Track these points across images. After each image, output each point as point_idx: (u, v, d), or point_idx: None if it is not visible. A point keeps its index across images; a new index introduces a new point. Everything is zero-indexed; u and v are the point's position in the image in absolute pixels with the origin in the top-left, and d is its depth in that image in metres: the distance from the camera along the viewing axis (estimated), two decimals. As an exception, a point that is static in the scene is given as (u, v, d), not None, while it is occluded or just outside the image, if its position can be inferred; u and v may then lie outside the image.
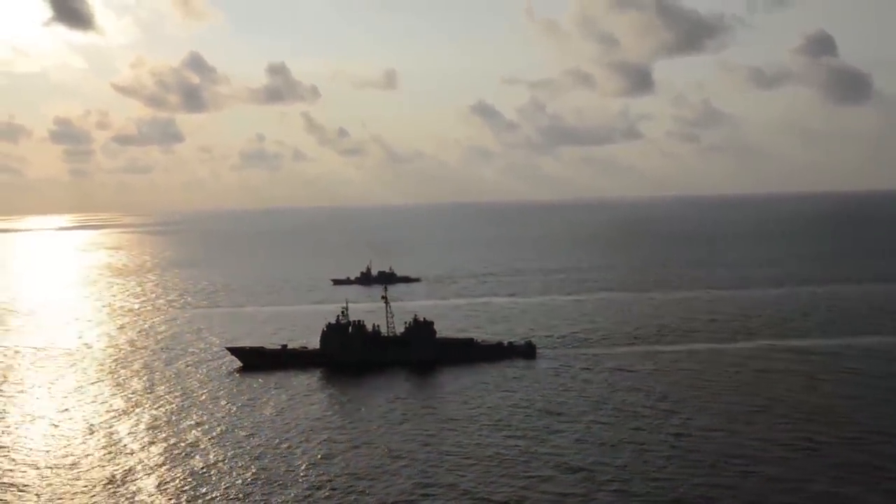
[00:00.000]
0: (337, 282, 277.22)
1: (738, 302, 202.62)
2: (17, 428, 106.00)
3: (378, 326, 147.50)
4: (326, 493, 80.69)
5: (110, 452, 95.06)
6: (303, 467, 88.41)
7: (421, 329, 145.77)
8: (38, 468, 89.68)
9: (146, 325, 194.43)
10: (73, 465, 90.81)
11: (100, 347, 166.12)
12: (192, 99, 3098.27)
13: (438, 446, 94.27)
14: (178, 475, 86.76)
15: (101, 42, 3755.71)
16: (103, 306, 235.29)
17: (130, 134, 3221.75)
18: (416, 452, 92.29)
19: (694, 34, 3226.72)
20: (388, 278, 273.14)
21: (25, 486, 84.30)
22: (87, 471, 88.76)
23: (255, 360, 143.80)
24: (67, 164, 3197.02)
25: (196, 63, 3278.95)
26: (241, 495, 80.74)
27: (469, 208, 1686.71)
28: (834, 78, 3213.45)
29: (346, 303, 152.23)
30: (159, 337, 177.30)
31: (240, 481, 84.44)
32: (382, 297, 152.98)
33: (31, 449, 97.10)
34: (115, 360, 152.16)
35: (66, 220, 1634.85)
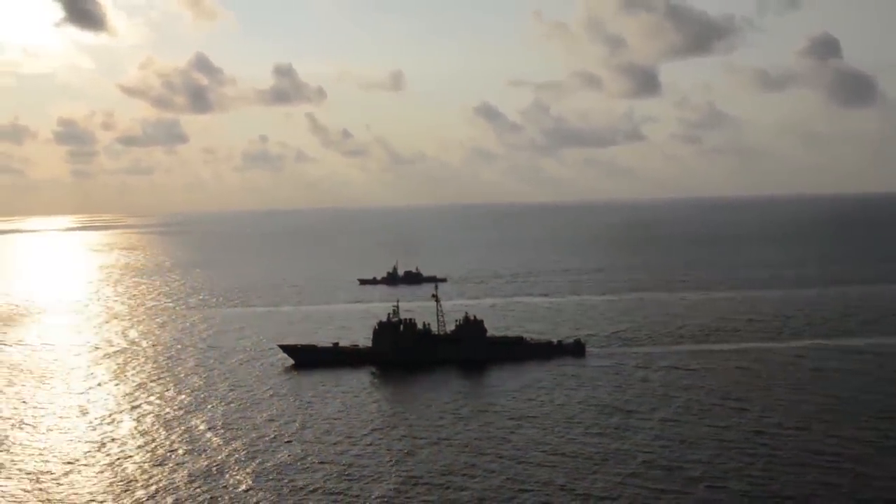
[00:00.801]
0: (363, 281, 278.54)
1: (770, 302, 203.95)
2: (100, 424, 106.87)
3: (428, 325, 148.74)
4: (423, 489, 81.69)
5: (195, 447, 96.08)
6: (391, 462, 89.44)
7: (472, 328, 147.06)
8: (134, 462, 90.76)
9: (188, 324, 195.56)
10: (165, 459, 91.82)
11: (149, 345, 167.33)
12: (199, 100, 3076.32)
13: (519, 442, 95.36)
14: (270, 468, 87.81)
15: (112, 43, 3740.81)
16: (138, 305, 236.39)
17: (135, 135, 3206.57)
18: (498, 449, 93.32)
19: (703, 36, 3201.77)
20: (414, 278, 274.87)
21: (129, 480, 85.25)
22: (181, 464, 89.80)
23: (307, 358, 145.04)
24: (70, 164, 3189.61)
25: (203, 64, 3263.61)
26: (340, 487, 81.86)
27: (471, 210, 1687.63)
28: (839, 81, 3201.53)
29: (398, 302, 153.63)
30: (204, 335, 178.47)
31: (334, 474, 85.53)
32: (433, 296, 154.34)
33: (119, 444, 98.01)
34: (169, 357, 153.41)
35: (69, 220, 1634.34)
